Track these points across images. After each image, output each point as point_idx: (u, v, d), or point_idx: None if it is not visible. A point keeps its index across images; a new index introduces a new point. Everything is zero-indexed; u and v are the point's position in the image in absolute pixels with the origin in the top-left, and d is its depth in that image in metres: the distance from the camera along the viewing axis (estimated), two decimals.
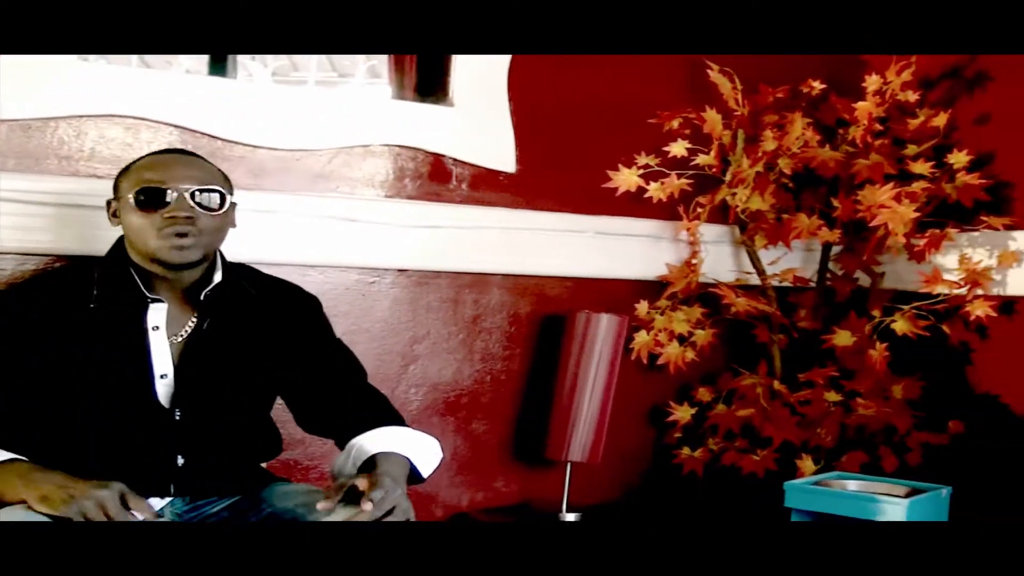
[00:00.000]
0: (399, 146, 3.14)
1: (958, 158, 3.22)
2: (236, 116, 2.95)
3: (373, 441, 2.41)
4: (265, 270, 2.61)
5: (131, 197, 2.29)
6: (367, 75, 3.92)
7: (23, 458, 2.22)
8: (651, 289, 3.45)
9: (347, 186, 3.09)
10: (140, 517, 2.09)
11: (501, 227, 3.27)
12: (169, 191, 2.28)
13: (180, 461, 2.33)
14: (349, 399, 2.54)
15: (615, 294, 3.42)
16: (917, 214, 3.14)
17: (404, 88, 3.27)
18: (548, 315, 3.39)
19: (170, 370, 2.34)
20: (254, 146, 2.97)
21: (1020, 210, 3.26)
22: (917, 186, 3.17)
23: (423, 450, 2.47)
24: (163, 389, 2.33)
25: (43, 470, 2.15)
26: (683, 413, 3.45)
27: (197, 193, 2.30)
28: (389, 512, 2.12)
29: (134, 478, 2.24)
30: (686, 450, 3.48)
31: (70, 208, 2.68)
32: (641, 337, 3.36)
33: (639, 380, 3.49)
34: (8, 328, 2.31)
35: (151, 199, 2.28)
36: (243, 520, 2.34)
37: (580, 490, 3.38)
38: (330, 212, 3.04)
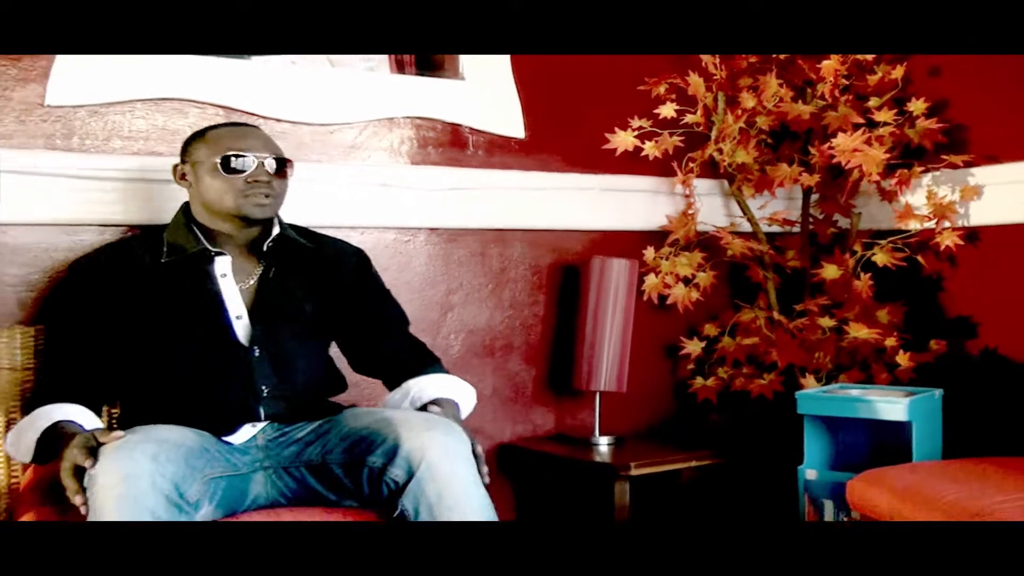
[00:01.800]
0: (420, 118, 3.31)
1: (917, 106, 3.38)
2: (276, 95, 3.12)
3: (429, 385, 2.64)
4: None
5: (217, 162, 2.49)
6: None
7: (67, 419, 2.32)
8: (654, 238, 3.62)
9: (377, 155, 3.26)
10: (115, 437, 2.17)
11: (517, 187, 3.44)
12: (251, 158, 2.50)
13: (264, 392, 2.49)
14: (397, 344, 2.75)
15: (623, 244, 3.57)
16: (887, 155, 3.29)
17: (420, 65, 3.44)
18: (565, 264, 3.56)
19: (244, 312, 2.52)
20: (293, 122, 3.14)
21: (975, 149, 3.39)
22: (884, 130, 3.34)
23: (465, 396, 2.71)
24: (240, 329, 2.51)
25: (67, 436, 2.22)
26: (693, 347, 3.63)
27: (270, 160, 2.52)
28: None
29: (224, 409, 2.45)
30: (699, 380, 3.65)
31: (135, 183, 2.85)
32: (651, 280, 3.54)
33: (653, 320, 3.66)
34: (93, 288, 2.49)
35: (234, 165, 2.50)
36: (324, 439, 2.47)
37: (610, 419, 3.52)
38: (364, 179, 3.22)
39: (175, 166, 2.60)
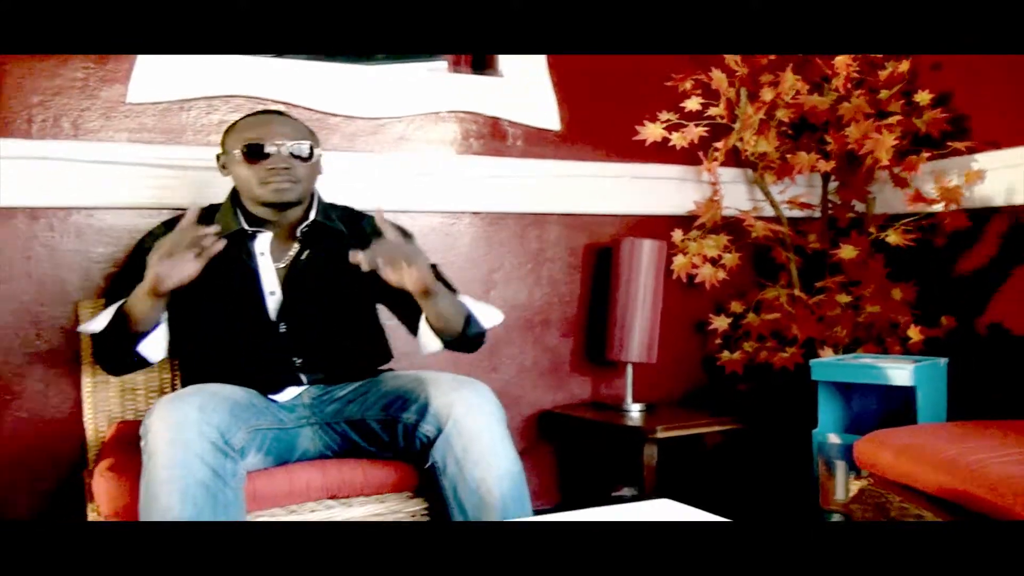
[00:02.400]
0: (462, 112, 3.52)
1: (923, 97, 3.55)
2: (332, 92, 3.33)
3: None
4: None
5: (237, 152, 2.63)
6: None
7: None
8: (682, 222, 3.81)
9: (423, 146, 3.47)
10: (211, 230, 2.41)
11: (553, 175, 3.65)
12: (268, 146, 2.61)
13: (297, 363, 2.67)
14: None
15: (652, 227, 3.77)
16: (897, 142, 3.45)
17: (461, 64, 3.61)
18: (599, 246, 3.77)
19: (278, 289, 2.68)
20: (347, 116, 3.35)
21: (977, 136, 3.53)
22: (893, 119, 3.50)
23: (477, 305, 2.78)
24: (273, 305, 2.68)
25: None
26: (720, 322, 3.83)
27: (291, 146, 2.63)
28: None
29: (260, 376, 2.64)
30: (726, 354, 3.85)
31: (203, 171, 3.03)
32: (679, 260, 3.74)
33: (683, 298, 3.87)
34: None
35: (254, 153, 2.62)
36: (364, 398, 2.64)
37: (643, 389, 3.74)
38: (411, 167, 3.43)
39: (217, 156, 2.75)
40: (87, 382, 2.92)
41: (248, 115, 2.77)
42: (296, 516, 2.49)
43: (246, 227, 2.68)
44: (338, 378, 2.72)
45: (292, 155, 2.63)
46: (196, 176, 3.09)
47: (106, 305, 2.65)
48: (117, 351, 2.57)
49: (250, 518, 2.43)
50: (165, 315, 2.56)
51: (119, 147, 3.05)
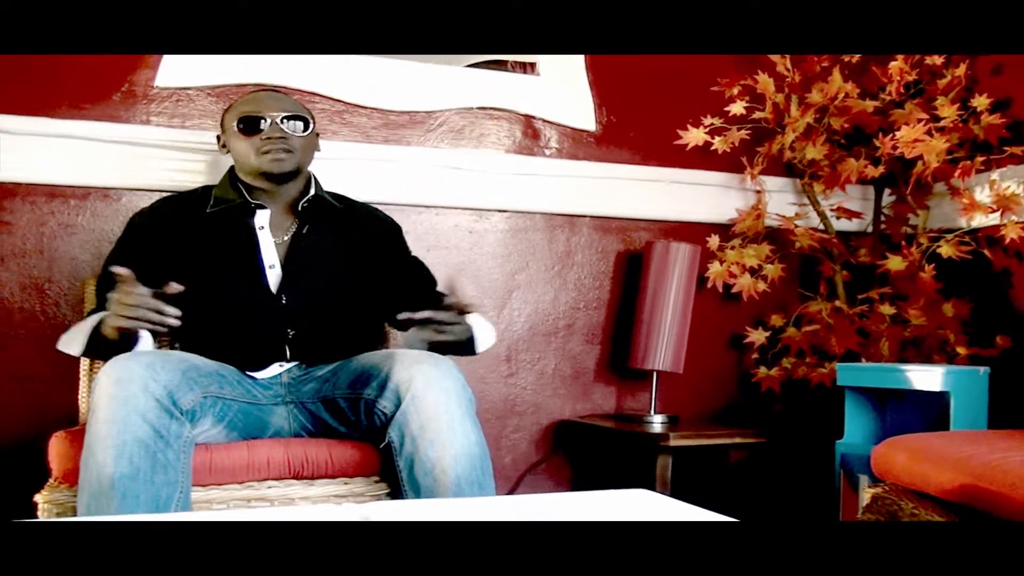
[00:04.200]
0: (496, 108, 3.39)
1: (980, 101, 3.28)
2: (361, 83, 3.24)
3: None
4: (386, 209, 2.91)
5: (234, 125, 2.61)
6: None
7: None
8: (720, 231, 3.59)
9: (453, 140, 3.34)
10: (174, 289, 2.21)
11: (587, 176, 3.48)
12: (264, 118, 2.61)
13: (290, 334, 2.57)
14: (424, 299, 2.59)
15: (690, 234, 3.56)
16: (947, 144, 3.21)
17: (498, 61, 3.48)
18: (632, 252, 3.57)
19: (277, 262, 2.61)
20: (376, 108, 3.25)
21: None
22: (945, 122, 3.26)
23: (480, 326, 2.66)
24: (272, 278, 2.60)
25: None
26: (758, 336, 3.58)
27: (286, 119, 2.62)
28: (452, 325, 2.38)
29: (254, 348, 2.56)
30: (763, 370, 3.59)
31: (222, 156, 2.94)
32: (715, 268, 3.52)
33: (718, 309, 3.64)
34: (145, 227, 2.63)
35: (250, 126, 2.61)
36: (336, 376, 2.53)
37: (672, 403, 3.54)
38: (440, 161, 3.30)
39: (217, 136, 2.76)
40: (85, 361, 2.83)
41: (246, 95, 2.75)
42: (252, 492, 2.34)
43: (250, 200, 2.64)
44: (322, 357, 2.60)
45: (287, 125, 2.62)
46: (215, 159, 3.04)
47: (97, 291, 2.58)
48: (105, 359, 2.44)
49: (203, 492, 2.30)
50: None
51: (144, 129, 3.02)
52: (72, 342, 2.47)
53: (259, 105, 2.64)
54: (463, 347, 2.58)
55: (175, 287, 2.23)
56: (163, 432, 2.14)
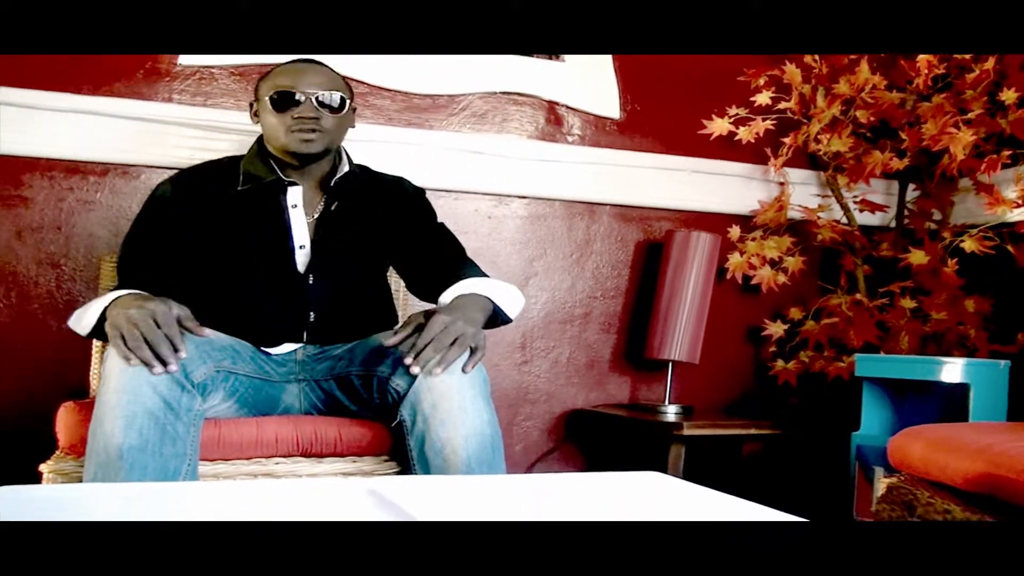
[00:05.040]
0: (519, 94, 3.35)
1: (1008, 95, 3.21)
2: (385, 65, 3.21)
3: (450, 292, 2.46)
4: None
5: (268, 98, 2.48)
6: None
7: (137, 291, 2.29)
8: (741, 222, 3.54)
9: (475, 125, 3.30)
10: (203, 333, 2.16)
11: (609, 164, 3.43)
12: (298, 95, 2.46)
13: (312, 317, 2.50)
14: (451, 269, 2.58)
15: (711, 224, 3.50)
16: (974, 137, 3.15)
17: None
18: (652, 241, 3.52)
19: (307, 242, 2.51)
20: (399, 91, 3.22)
21: None
22: (972, 115, 3.20)
23: (503, 291, 2.50)
24: (301, 258, 2.51)
25: (140, 300, 2.16)
26: (776, 328, 3.53)
27: (322, 96, 2.48)
28: (454, 341, 2.21)
29: (274, 328, 2.48)
30: (780, 363, 3.53)
31: (245, 135, 2.97)
32: (735, 259, 3.47)
33: (737, 301, 3.59)
34: (169, 202, 2.52)
35: (284, 101, 2.47)
36: (352, 354, 2.47)
37: (687, 394, 3.48)
38: (461, 145, 3.26)
39: (250, 104, 2.62)
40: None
41: (282, 63, 2.60)
42: (259, 467, 2.31)
43: (283, 178, 2.53)
44: (338, 337, 2.54)
45: (321, 104, 2.48)
46: (241, 139, 2.99)
47: (119, 270, 2.48)
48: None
49: (211, 466, 2.26)
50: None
51: (166, 107, 3.01)
52: (80, 321, 2.37)
53: (295, 79, 2.49)
54: (492, 321, 2.45)
55: (207, 332, 2.18)
56: (174, 404, 2.09)
